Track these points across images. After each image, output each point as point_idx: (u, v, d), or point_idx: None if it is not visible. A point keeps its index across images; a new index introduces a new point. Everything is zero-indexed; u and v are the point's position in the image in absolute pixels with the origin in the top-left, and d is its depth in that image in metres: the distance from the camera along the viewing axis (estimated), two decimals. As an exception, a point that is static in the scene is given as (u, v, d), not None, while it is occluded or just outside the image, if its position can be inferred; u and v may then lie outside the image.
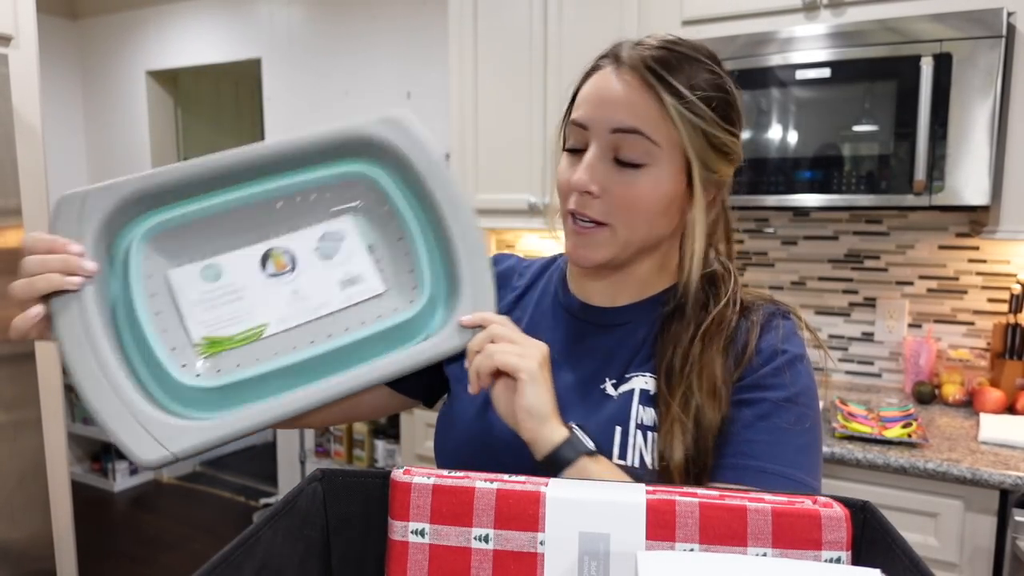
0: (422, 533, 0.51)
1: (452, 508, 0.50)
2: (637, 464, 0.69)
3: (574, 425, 0.67)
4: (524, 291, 0.87)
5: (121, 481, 3.84)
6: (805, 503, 0.48)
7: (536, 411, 0.64)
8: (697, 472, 0.68)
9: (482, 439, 0.76)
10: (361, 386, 0.64)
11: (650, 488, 0.49)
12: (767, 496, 0.48)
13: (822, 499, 0.48)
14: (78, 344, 0.60)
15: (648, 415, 0.71)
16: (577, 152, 0.72)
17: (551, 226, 0.81)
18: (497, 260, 0.92)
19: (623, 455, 0.70)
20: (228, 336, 0.65)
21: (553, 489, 0.50)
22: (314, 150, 0.69)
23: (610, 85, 0.69)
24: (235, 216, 0.68)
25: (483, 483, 0.51)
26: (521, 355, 0.65)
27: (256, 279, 0.67)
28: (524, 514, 0.49)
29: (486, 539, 0.50)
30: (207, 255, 0.67)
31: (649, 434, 0.70)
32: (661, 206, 0.70)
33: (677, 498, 0.48)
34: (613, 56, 0.71)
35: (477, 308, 0.69)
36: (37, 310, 0.60)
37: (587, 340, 0.78)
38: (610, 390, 0.74)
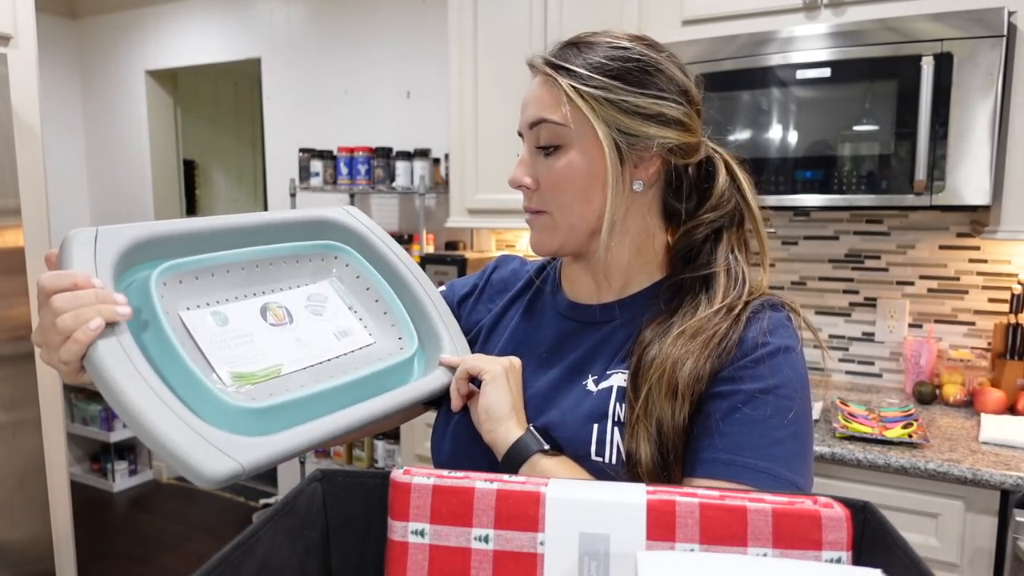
0: (422, 533, 0.51)
1: (452, 508, 0.50)
2: (614, 460, 0.70)
3: (530, 426, 0.73)
4: (520, 292, 0.90)
5: (120, 481, 3.84)
6: (806, 503, 0.48)
7: (494, 411, 0.72)
8: (666, 474, 0.67)
9: (472, 439, 0.77)
10: (387, 410, 0.72)
11: (650, 488, 0.49)
12: (767, 496, 0.48)
13: (822, 499, 0.48)
14: (129, 375, 0.59)
15: (625, 412, 0.71)
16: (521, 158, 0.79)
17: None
18: (500, 263, 0.96)
19: (600, 451, 0.70)
20: (251, 372, 0.69)
21: (553, 489, 0.50)
22: (289, 226, 0.82)
23: (530, 88, 0.77)
24: (233, 271, 0.76)
25: (483, 483, 0.51)
26: (488, 360, 0.74)
27: (260, 327, 0.74)
28: (524, 514, 0.49)
29: (486, 539, 0.50)
30: (212, 303, 0.73)
31: (619, 431, 0.71)
32: (585, 182, 0.73)
33: (677, 498, 0.48)
34: (529, 65, 0.78)
35: (455, 341, 0.84)
36: (98, 324, 0.58)
37: (574, 338, 0.80)
38: (591, 386, 0.75)
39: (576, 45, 0.75)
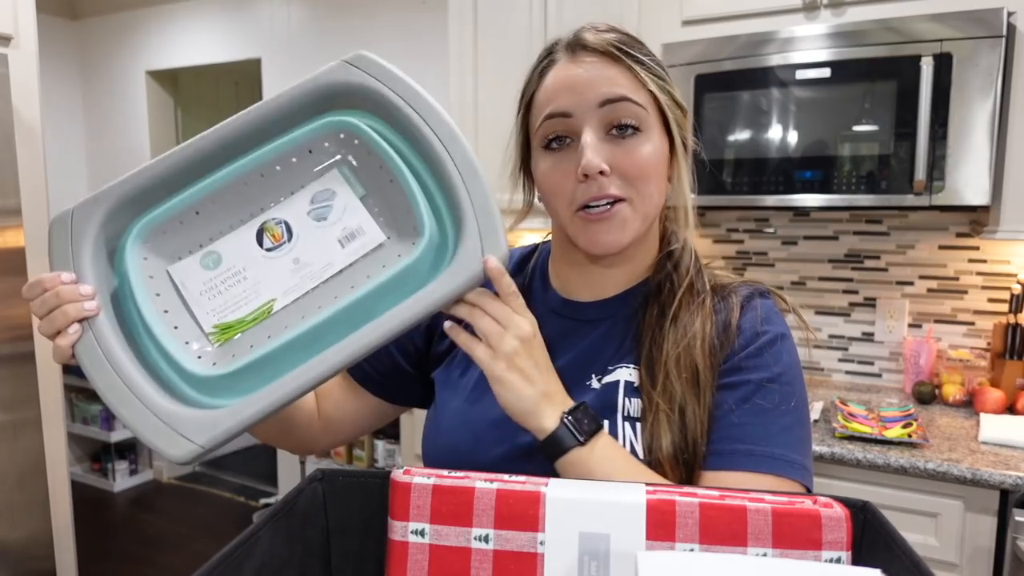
0: (422, 533, 0.51)
1: (452, 508, 0.50)
2: (636, 454, 0.69)
3: (565, 416, 0.64)
4: None
5: (121, 481, 3.84)
6: (805, 503, 0.48)
7: (515, 409, 0.64)
8: (687, 460, 0.67)
9: (468, 445, 0.75)
10: (372, 344, 0.60)
11: (650, 488, 0.49)
12: (767, 496, 0.48)
13: (822, 499, 0.48)
14: (97, 363, 0.61)
15: (635, 406, 0.70)
16: (557, 148, 0.71)
17: (515, 224, 0.82)
18: None
19: None
20: (239, 319, 0.64)
21: (553, 489, 0.50)
22: (282, 114, 0.67)
23: (579, 69, 0.70)
24: (220, 199, 0.66)
25: (483, 483, 0.51)
26: (492, 356, 0.63)
27: (256, 256, 0.65)
28: (524, 514, 0.49)
29: (486, 539, 0.50)
30: (204, 243, 0.66)
31: (637, 425, 0.69)
32: (662, 169, 0.72)
33: (677, 498, 0.48)
34: (569, 46, 0.72)
35: (485, 239, 0.61)
36: (74, 328, 0.62)
37: (571, 337, 0.77)
38: (595, 384, 0.74)
39: (620, 32, 0.73)
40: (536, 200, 0.80)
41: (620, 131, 0.69)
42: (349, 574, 0.58)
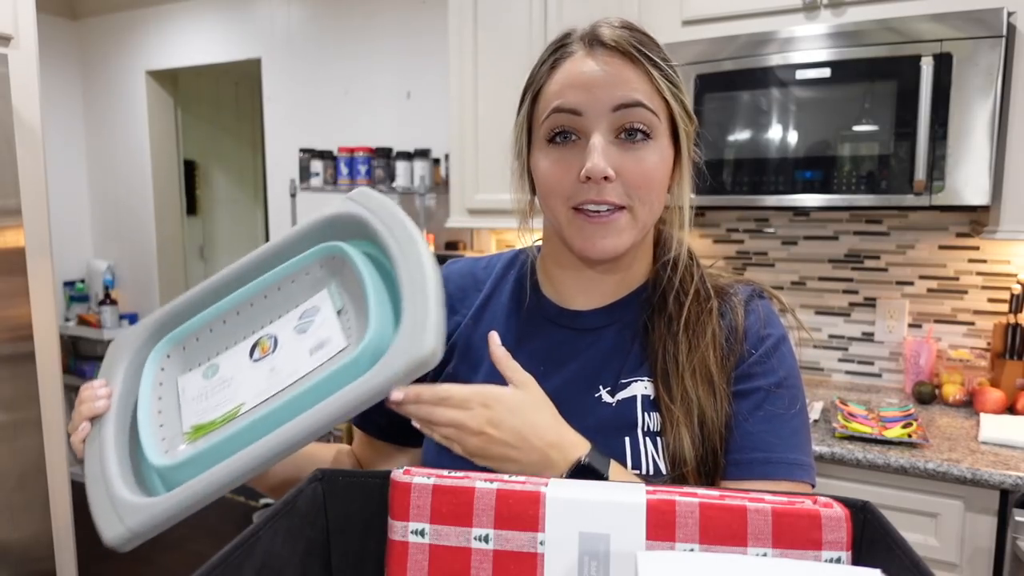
0: (422, 533, 0.51)
1: (452, 508, 0.50)
2: (652, 471, 0.68)
3: (573, 463, 0.62)
4: (488, 298, 0.82)
5: (121, 481, 3.84)
6: (805, 503, 0.48)
7: (524, 473, 0.59)
8: (708, 471, 0.68)
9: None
10: (300, 434, 0.61)
11: (650, 488, 0.49)
12: (767, 496, 0.48)
13: (822, 499, 0.48)
14: (90, 451, 0.72)
15: (654, 421, 0.70)
16: (561, 144, 0.69)
17: (524, 226, 0.79)
18: (449, 274, 0.85)
19: (636, 464, 0.69)
20: (211, 420, 0.69)
21: (553, 489, 0.50)
22: (291, 244, 0.76)
23: (595, 66, 0.68)
24: (231, 318, 0.76)
25: (483, 483, 0.51)
26: (469, 453, 0.62)
27: (243, 366, 0.72)
28: (524, 514, 0.49)
29: (486, 539, 0.50)
30: (211, 357, 0.75)
31: (659, 440, 0.69)
32: (665, 179, 0.71)
33: (677, 498, 0.48)
34: (585, 40, 0.69)
35: (412, 335, 0.62)
36: (84, 425, 0.73)
37: (571, 346, 0.75)
38: (607, 398, 0.72)
39: (638, 32, 0.70)
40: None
41: (630, 136, 0.67)
42: (349, 574, 0.58)
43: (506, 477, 0.52)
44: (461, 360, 0.79)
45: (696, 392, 0.68)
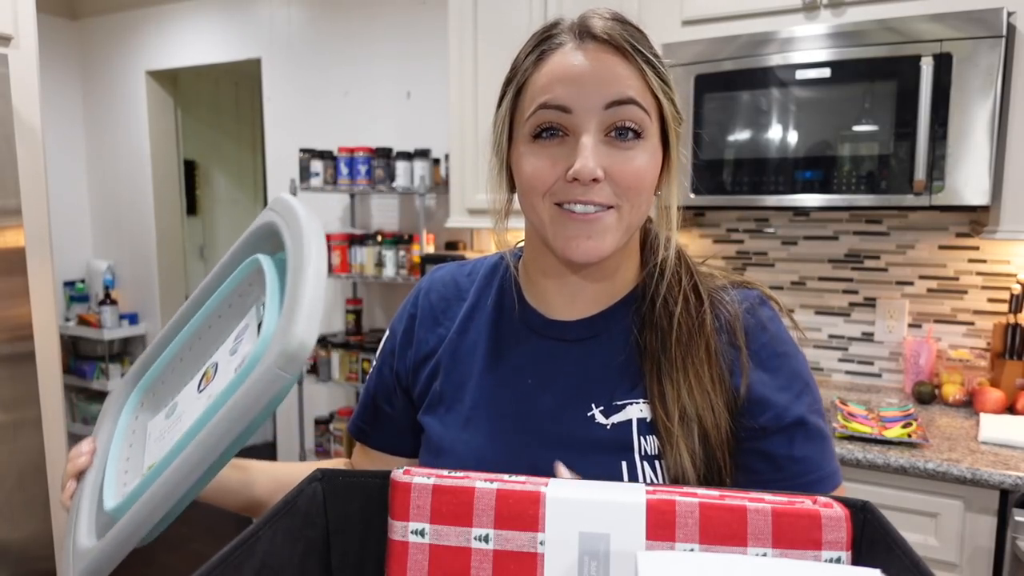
0: (422, 533, 0.51)
1: (452, 508, 0.50)
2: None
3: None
4: (472, 308, 0.78)
5: (121, 481, 3.84)
6: (805, 503, 0.48)
7: None
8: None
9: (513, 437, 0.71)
10: (203, 458, 0.58)
11: (650, 488, 0.49)
12: (767, 496, 0.48)
13: (822, 499, 0.48)
14: (72, 504, 0.73)
15: (651, 444, 0.67)
16: (547, 139, 0.65)
17: (500, 227, 0.75)
18: (431, 283, 0.82)
19: None
20: (162, 457, 0.64)
21: (553, 489, 0.50)
22: (224, 267, 0.73)
23: (587, 60, 0.64)
24: (184, 354, 0.74)
25: (483, 483, 0.51)
26: None
27: (192, 398, 0.69)
28: (524, 514, 0.49)
29: (486, 539, 0.50)
30: (174, 397, 0.74)
31: (658, 463, 0.66)
32: (654, 179, 0.67)
33: (677, 498, 0.48)
34: (575, 31, 0.66)
35: (283, 339, 0.56)
36: (71, 484, 0.74)
37: (558, 359, 0.72)
38: (600, 418, 0.68)
39: (630, 24, 0.66)
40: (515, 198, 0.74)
41: (621, 135, 0.64)
42: (349, 574, 0.58)
43: (506, 477, 0.52)
44: (447, 378, 0.76)
45: (695, 410, 0.65)
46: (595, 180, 0.63)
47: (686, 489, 0.49)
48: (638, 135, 0.65)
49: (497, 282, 0.79)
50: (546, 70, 0.66)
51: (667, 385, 0.67)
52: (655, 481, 0.66)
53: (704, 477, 0.65)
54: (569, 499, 0.49)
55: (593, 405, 0.69)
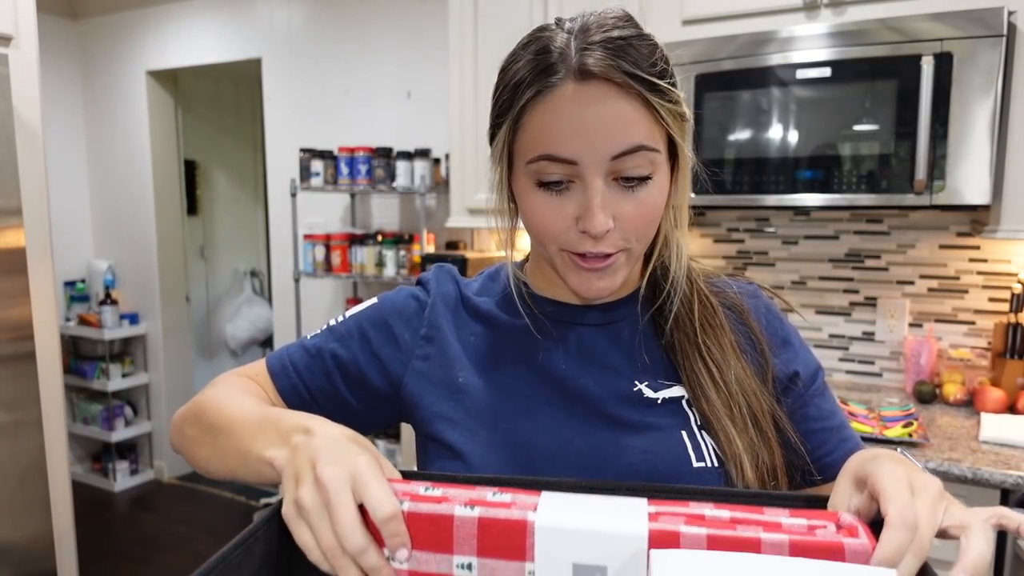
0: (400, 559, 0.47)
1: (429, 536, 0.47)
2: (716, 463, 0.66)
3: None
4: (482, 308, 0.76)
5: (122, 481, 3.84)
6: (828, 530, 0.44)
7: None
8: (769, 462, 0.68)
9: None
10: None
11: (652, 511, 0.46)
12: (784, 521, 0.45)
13: (845, 520, 0.45)
14: None
15: (697, 416, 0.69)
16: (554, 189, 0.64)
17: (509, 255, 0.74)
18: (438, 277, 0.79)
19: (700, 458, 0.66)
20: None
21: (542, 517, 0.46)
22: None
23: (588, 107, 0.60)
24: None
25: (463, 509, 0.46)
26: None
27: None
28: (510, 544, 0.46)
29: (469, 567, 0.46)
30: None
31: (706, 434, 0.68)
32: (663, 207, 0.67)
33: (682, 528, 0.44)
34: (572, 69, 0.61)
35: None
36: None
37: (585, 341, 0.73)
38: (649, 392, 0.69)
39: (623, 39, 0.61)
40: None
41: (628, 182, 0.63)
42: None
43: (489, 498, 0.48)
44: (471, 378, 0.73)
45: (732, 384, 0.69)
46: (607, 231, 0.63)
47: (693, 510, 0.46)
48: (648, 177, 0.63)
49: (502, 295, 0.77)
50: (546, 115, 0.62)
51: (699, 364, 0.69)
52: (715, 448, 0.66)
53: (752, 449, 0.66)
54: (561, 529, 0.45)
55: (636, 382, 0.70)
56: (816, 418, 0.72)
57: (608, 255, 0.65)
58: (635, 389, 0.69)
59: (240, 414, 0.62)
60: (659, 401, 0.69)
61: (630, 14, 0.65)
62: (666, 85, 0.62)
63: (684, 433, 0.67)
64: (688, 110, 0.67)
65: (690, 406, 0.69)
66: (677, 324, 0.72)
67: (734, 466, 0.65)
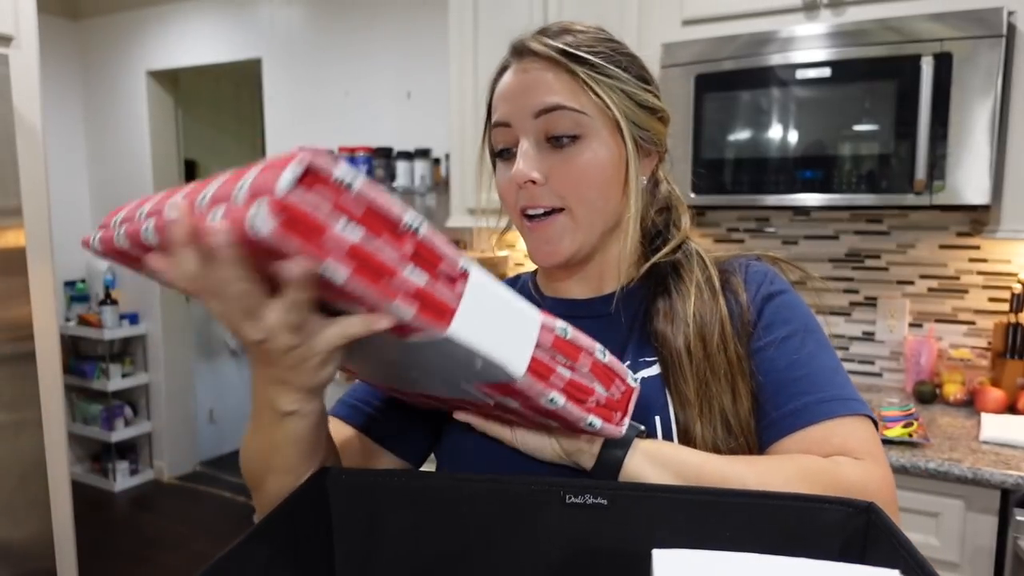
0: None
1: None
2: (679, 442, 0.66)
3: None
4: None
5: (121, 481, 3.84)
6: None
7: (554, 459, 0.62)
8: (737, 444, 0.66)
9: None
10: None
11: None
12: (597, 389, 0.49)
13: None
14: None
15: (671, 398, 0.68)
16: (506, 157, 0.72)
17: (494, 247, 0.80)
18: None
19: (668, 438, 0.67)
20: None
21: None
22: None
23: (518, 77, 0.70)
24: None
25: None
26: (510, 430, 0.62)
27: None
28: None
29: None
30: None
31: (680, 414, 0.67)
32: (607, 175, 0.69)
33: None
34: (515, 52, 0.72)
35: None
36: None
37: (585, 331, 0.74)
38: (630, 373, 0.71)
39: (568, 32, 0.71)
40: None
41: (556, 141, 0.68)
42: (351, 574, 0.58)
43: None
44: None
45: (715, 385, 0.67)
46: (533, 182, 0.68)
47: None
48: (575, 137, 0.68)
49: (517, 287, 0.84)
50: (496, 92, 0.73)
51: (683, 357, 0.68)
52: (683, 435, 0.66)
53: (713, 442, 0.66)
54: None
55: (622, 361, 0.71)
56: (770, 371, 0.69)
57: (546, 214, 0.69)
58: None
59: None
60: (637, 381, 0.69)
61: (603, 29, 0.73)
62: (600, 61, 0.68)
63: (658, 419, 0.67)
64: (659, 101, 0.73)
65: (665, 384, 0.69)
66: (670, 306, 0.72)
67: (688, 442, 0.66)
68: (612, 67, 0.69)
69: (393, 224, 0.42)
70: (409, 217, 0.43)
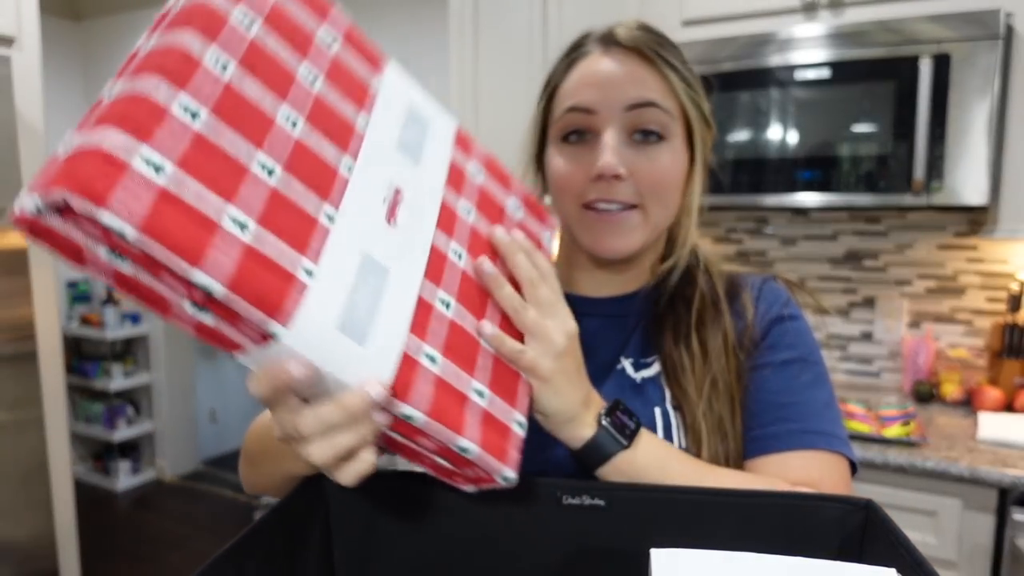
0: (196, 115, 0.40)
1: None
2: (684, 444, 0.67)
3: (602, 416, 0.59)
4: None
5: (123, 480, 3.85)
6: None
7: (555, 415, 0.57)
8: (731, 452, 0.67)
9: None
10: None
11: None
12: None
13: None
14: None
15: (670, 394, 0.69)
16: (575, 142, 0.69)
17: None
18: None
19: (668, 438, 0.67)
20: None
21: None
22: None
23: (610, 65, 0.68)
24: None
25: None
26: (542, 353, 0.55)
27: None
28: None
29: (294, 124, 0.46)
30: None
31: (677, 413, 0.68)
32: (680, 180, 0.71)
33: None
34: (601, 40, 0.70)
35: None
36: None
37: (590, 334, 0.72)
38: (630, 371, 0.72)
39: (655, 34, 0.72)
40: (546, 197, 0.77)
41: (643, 136, 0.68)
42: (350, 574, 0.58)
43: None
44: None
45: (716, 393, 0.68)
46: (617, 177, 0.66)
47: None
48: (661, 137, 0.68)
49: None
50: (574, 76, 0.70)
51: (684, 359, 0.69)
52: (684, 434, 0.67)
53: (715, 428, 0.67)
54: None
55: (622, 358, 0.73)
56: (758, 391, 0.69)
57: (621, 209, 0.67)
58: (618, 367, 0.72)
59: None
60: (638, 380, 0.71)
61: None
62: (687, 72, 0.70)
63: (658, 411, 0.68)
64: (710, 118, 0.73)
65: (666, 381, 0.70)
66: (673, 311, 0.73)
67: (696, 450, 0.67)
68: (691, 76, 0.70)
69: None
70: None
